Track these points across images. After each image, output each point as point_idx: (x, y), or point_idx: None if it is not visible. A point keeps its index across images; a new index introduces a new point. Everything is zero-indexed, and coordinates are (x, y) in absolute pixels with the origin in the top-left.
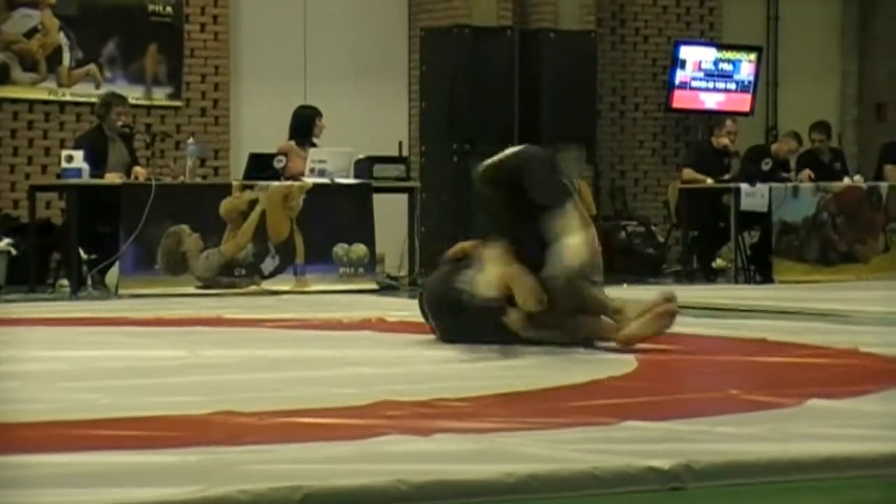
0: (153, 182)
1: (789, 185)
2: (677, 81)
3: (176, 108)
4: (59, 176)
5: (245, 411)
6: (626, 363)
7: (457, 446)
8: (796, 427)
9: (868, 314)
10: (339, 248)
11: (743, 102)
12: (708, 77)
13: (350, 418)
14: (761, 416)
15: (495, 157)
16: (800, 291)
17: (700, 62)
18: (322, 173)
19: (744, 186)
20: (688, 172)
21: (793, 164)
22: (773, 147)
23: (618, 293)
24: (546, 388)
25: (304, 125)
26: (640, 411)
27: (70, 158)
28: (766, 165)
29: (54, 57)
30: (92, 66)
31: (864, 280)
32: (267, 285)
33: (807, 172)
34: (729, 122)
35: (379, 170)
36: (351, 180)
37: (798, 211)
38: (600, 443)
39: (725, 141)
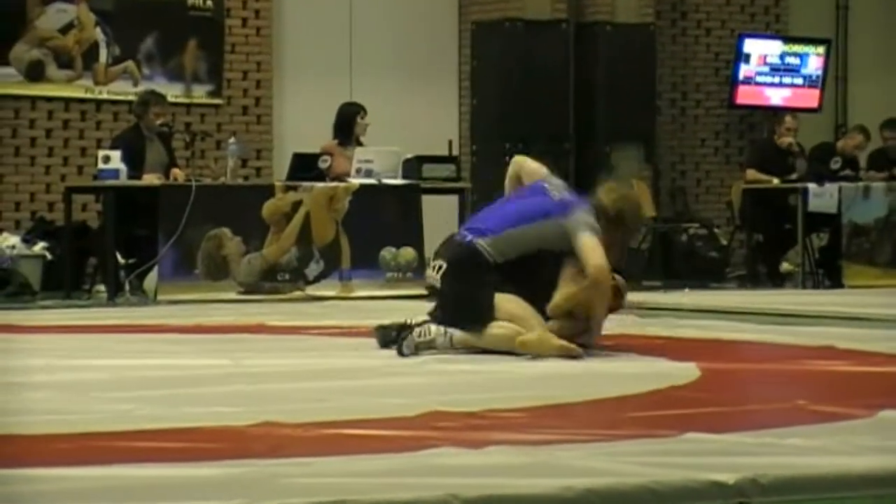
0: (193, 183)
1: (860, 184)
2: (741, 76)
3: (216, 107)
4: (95, 177)
5: (288, 422)
6: (687, 372)
7: (511, 459)
8: (867, 440)
9: None
10: (387, 252)
11: (811, 98)
12: (773, 71)
13: (398, 430)
14: (830, 428)
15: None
16: (871, 297)
17: (765, 56)
18: (368, 174)
19: (812, 186)
20: (751, 173)
21: (863, 161)
22: (839, 144)
23: (678, 299)
24: (603, 398)
25: (346, 123)
26: (703, 423)
27: (107, 159)
28: (836, 164)
29: (90, 53)
30: (129, 63)
31: None
32: (311, 291)
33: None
34: (788, 119)
35: (428, 170)
36: (398, 181)
37: (869, 212)
38: (661, 456)
39: (789, 139)
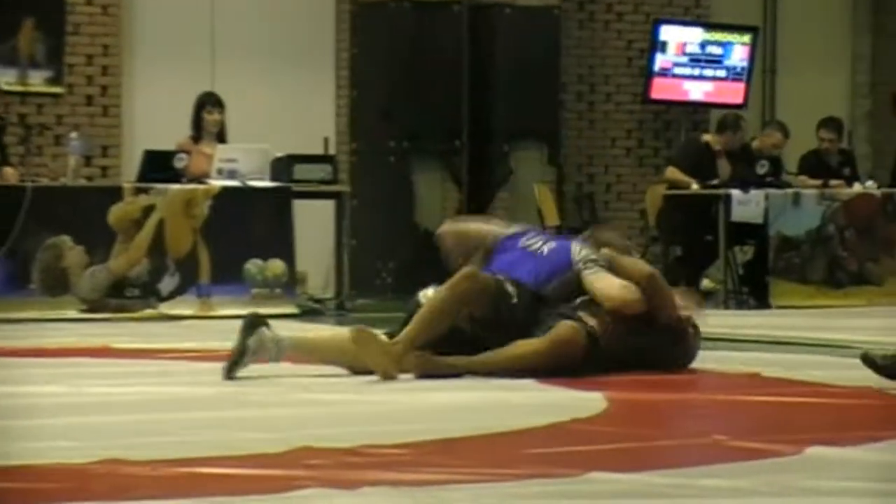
0: (28, 184)
1: (789, 191)
2: (657, 68)
3: (56, 96)
4: None
5: (135, 460)
6: (593, 403)
7: (389, 501)
8: (794, 479)
9: (883, 346)
10: (252, 265)
11: (735, 93)
12: (693, 63)
13: (262, 468)
14: (752, 467)
15: None
16: (801, 318)
17: (684, 45)
18: (232, 174)
19: (735, 193)
20: (672, 171)
21: (792, 165)
22: (755, 143)
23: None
24: (496, 432)
25: (195, 116)
26: (608, 461)
27: None
28: (762, 168)
29: None
30: None
31: (877, 306)
32: (165, 309)
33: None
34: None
35: (301, 171)
36: (267, 183)
37: (800, 223)
38: (559, 498)
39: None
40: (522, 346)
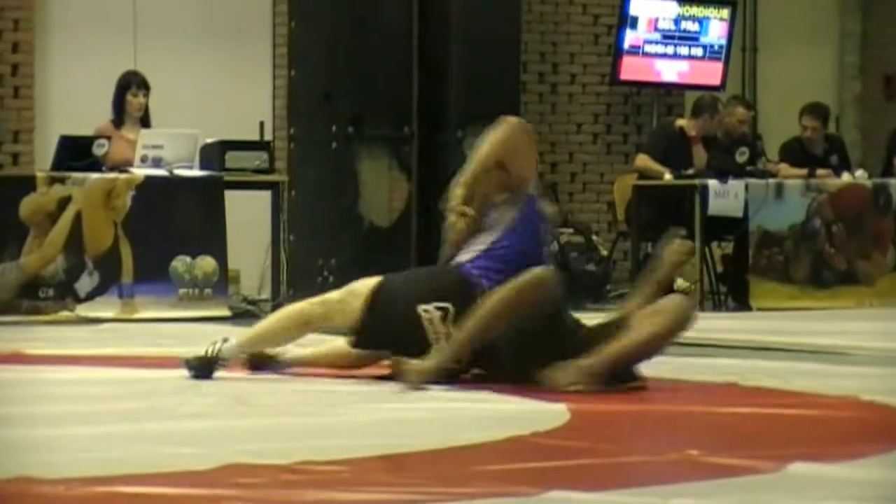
0: None
1: (771, 182)
2: (626, 45)
3: None
4: None
5: (47, 478)
6: (555, 415)
7: None
8: (773, 498)
9: (871, 352)
10: (180, 263)
11: (712, 73)
12: (667, 40)
13: (187, 487)
14: (728, 485)
15: None
16: (784, 321)
17: (656, 20)
18: (157, 162)
19: (712, 184)
20: (642, 158)
21: (772, 151)
22: (724, 122)
23: None
24: (448, 446)
25: (116, 98)
26: (570, 478)
27: None
28: (742, 156)
29: None
30: None
31: (866, 307)
32: (83, 311)
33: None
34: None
35: (233, 158)
36: (195, 172)
37: (783, 217)
38: None
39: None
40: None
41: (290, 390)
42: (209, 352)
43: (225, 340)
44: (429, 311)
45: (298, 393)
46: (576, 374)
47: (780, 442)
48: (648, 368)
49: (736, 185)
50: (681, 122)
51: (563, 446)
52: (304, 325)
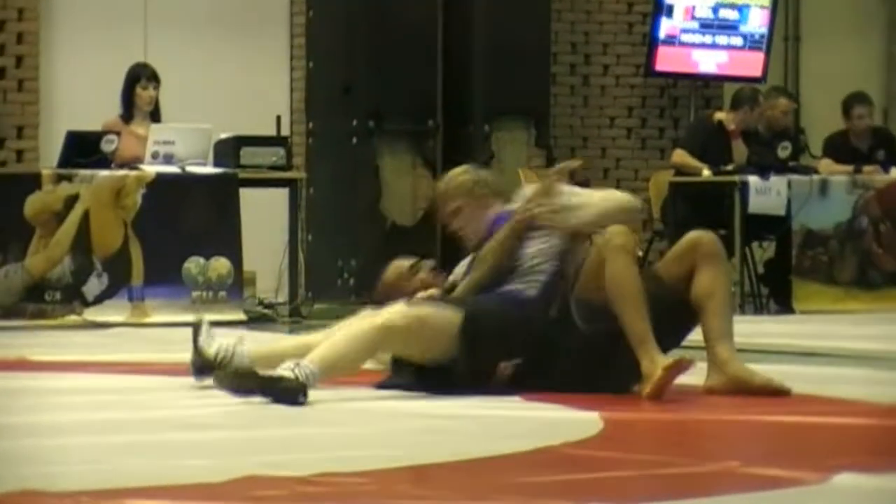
0: None
1: (815, 178)
2: (662, 35)
3: None
4: None
5: (52, 491)
6: (587, 424)
7: None
8: None
9: None
10: (192, 264)
11: (753, 64)
12: (705, 29)
13: (201, 500)
14: (772, 497)
15: None
16: (828, 325)
17: (693, 8)
18: (168, 159)
19: (753, 180)
20: (679, 154)
21: (815, 147)
22: (767, 114)
23: None
24: (474, 458)
25: (125, 91)
26: (603, 491)
27: None
28: (784, 150)
29: None
30: None
31: None
32: (91, 315)
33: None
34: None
35: (248, 155)
36: (209, 169)
37: (827, 215)
38: None
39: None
40: None
41: (312, 399)
42: (290, 376)
43: (236, 343)
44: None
45: (315, 401)
46: None
47: (825, 452)
48: (687, 377)
49: (778, 182)
50: (719, 115)
51: (596, 457)
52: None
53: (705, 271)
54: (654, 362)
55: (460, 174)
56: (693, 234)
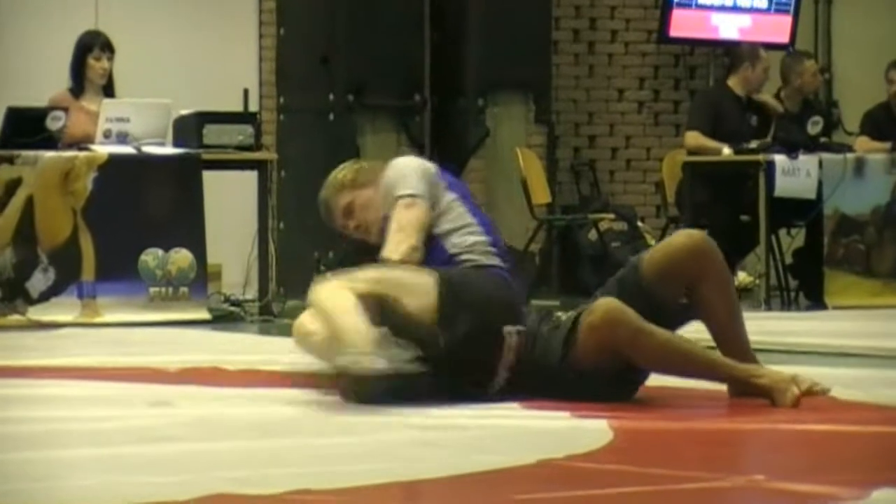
0: None
1: (850, 156)
2: None
3: None
4: None
5: None
6: (595, 434)
7: None
8: None
9: None
10: (150, 257)
11: (778, 29)
12: None
13: None
14: None
15: None
16: (865, 322)
17: None
18: (123, 138)
19: (779, 160)
20: (693, 136)
21: (851, 123)
22: (796, 83)
23: None
24: (471, 472)
25: (74, 62)
26: None
27: None
28: (815, 126)
29: None
30: None
31: None
32: (36, 314)
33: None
34: (763, 53)
35: (213, 133)
36: (168, 150)
37: (864, 198)
38: None
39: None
40: None
41: (283, 405)
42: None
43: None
44: None
45: (288, 409)
46: None
47: (862, 464)
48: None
49: (808, 161)
50: (731, 80)
51: (605, 471)
52: None
53: (707, 285)
54: (769, 374)
55: (337, 173)
56: (683, 238)
